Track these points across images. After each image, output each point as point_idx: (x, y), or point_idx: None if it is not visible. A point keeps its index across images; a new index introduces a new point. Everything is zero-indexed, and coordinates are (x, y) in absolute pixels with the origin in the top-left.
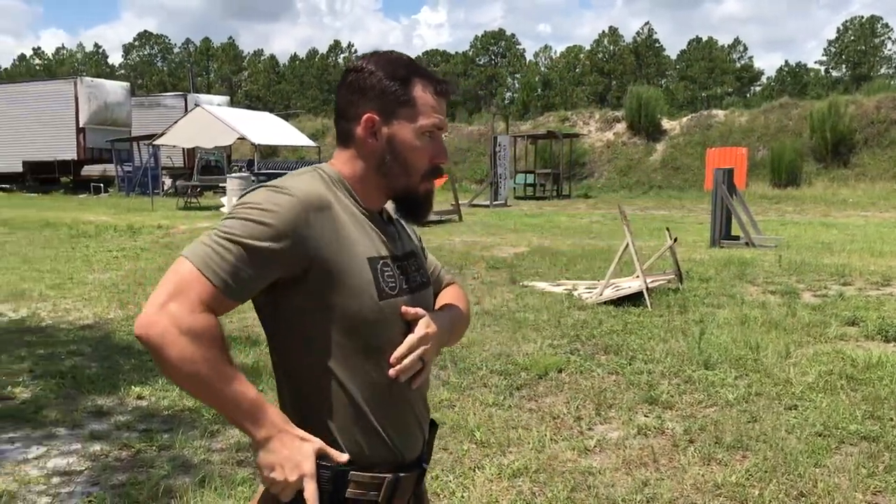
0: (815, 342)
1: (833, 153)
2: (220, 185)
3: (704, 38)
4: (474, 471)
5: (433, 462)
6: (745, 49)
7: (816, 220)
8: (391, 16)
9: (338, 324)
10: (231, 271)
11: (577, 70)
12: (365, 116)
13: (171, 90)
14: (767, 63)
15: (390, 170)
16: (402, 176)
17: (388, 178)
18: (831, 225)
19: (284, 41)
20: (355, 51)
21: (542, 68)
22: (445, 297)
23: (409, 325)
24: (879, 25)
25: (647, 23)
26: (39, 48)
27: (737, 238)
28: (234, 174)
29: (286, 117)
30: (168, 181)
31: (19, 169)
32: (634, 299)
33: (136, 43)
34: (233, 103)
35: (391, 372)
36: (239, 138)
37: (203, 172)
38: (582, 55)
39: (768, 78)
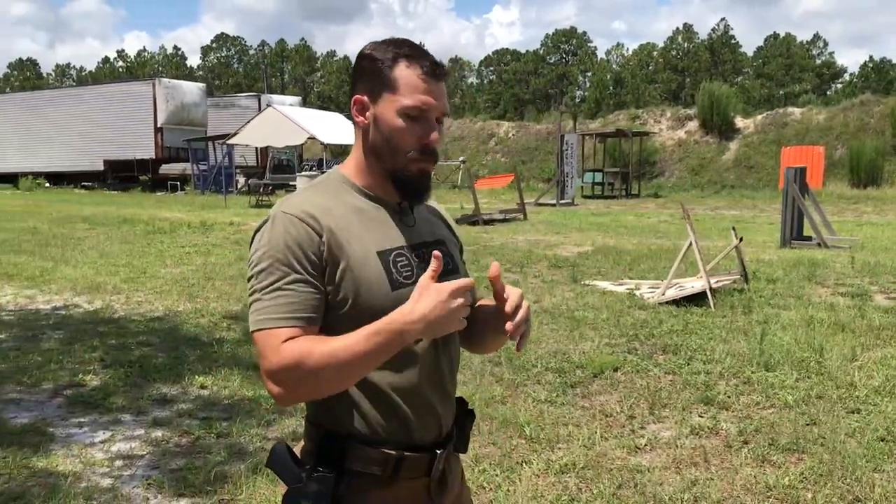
0: (884, 345)
1: None
2: (291, 183)
3: (782, 35)
4: (521, 465)
5: (481, 456)
6: (826, 45)
7: None
8: (463, 15)
9: (353, 314)
10: (295, 308)
11: (649, 68)
12: (354, 98)
13: (246, 91)
14: (851, 59)
15: (380, 150)
16: (390, 156)
17: (379, 158)
18: None
19: (358, 42)
20: None
21: (615, 66)
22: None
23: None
24: None
25: (723, 19)
26: (122, 51)
27: (808, 238)
28: (303, 173)
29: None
30: (242, 179)
31: (101, 167)
32: (697, 300)
33: (214, 45)
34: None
35: (508, 328)
36: (309, 138)
37: (275, 171)
38: (655, 53)
39: (851, 74)
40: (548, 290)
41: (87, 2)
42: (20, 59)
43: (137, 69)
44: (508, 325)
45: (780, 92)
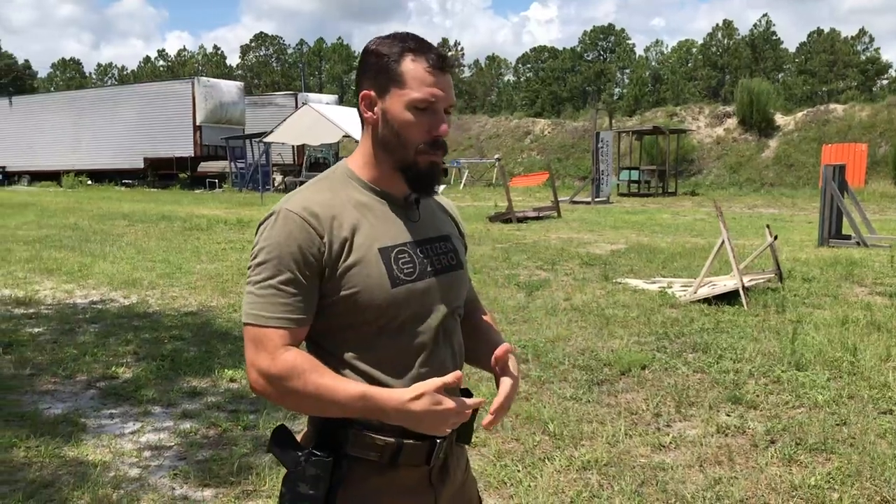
0: None
1: None
2: None
3: (826, 30)
4: (544, 462)
5: (503, 451)
6: (872, 40)
7: None
8: (500, 13)
9: (353, 310)
10: (285, 308)
11: (689, 65)
12: (362, 93)
13: (284, 90)
14: None
15: (389, 143)
16: (399, 149)
17: (388, 152)
18: None
19: None
20: (461, 49)
21: (653, 63)
22: (492, 337)
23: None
24: None
25: (764, 14)
26: (163, 50)
27: (847, 237)
28: None
29: None
30: (278, 177)
31: (141, 165)
32: (730, 298)
33: (253, 44)
34: (342, 102)
35: (485, 423)
36: (345, 136)
37: (311, 169)
38: (694, 49)
39: None
40: (579, 287)
41: (131, 3)
42: (63, 59)
43: (178, 68)
44: (486, 421)
45: (824, 89)
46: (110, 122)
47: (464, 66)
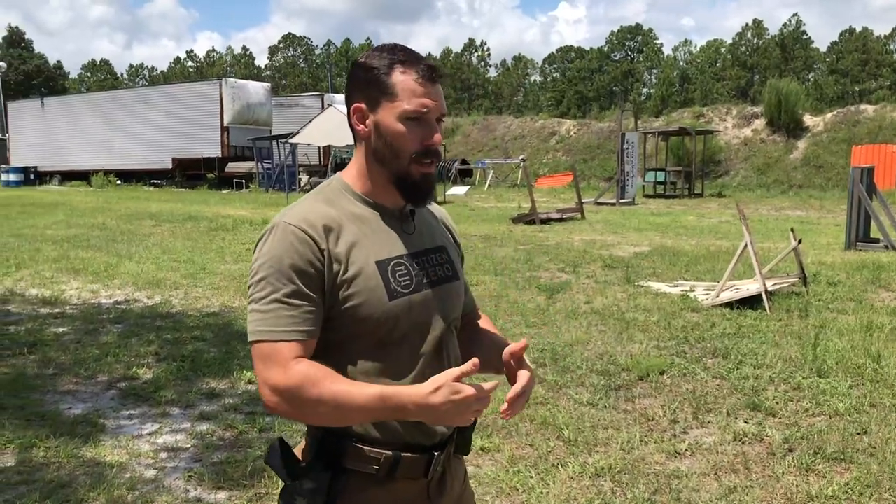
0: None
1: None
2: None
3: (858, 29)
4: (557, 468)
5: (516, 457)
6: None
7: None
8: (528, 13)
9: (351, 323)
10: (294, 321)
11: (717, 64)
12: (353, 107)
13: (311, 91)
14: None
15: (383, 156)
16: (393, 160)
17: (382, 164)
18: None
19: (424, 41)
20: (488, 50)
21: (681, 63)
22: (496, 339)
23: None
24: None
25: (795, 14)
26: (192, 51)
27: (876, 241)
28: None
29: None
30: (304, 178)
31: (169, 165)
32: (753, 302)
33: (281, 45)
34: None
35: (503, 411)
36: None
37: (336, 169)
38: (723, 49)
39: None
40: (600, 290)
41: (163, 3)
42: (94, 60)
43: (207, 69)
44: (503, 409)
45: (856, 89)
46: (139, 122)
47: (489, 66)
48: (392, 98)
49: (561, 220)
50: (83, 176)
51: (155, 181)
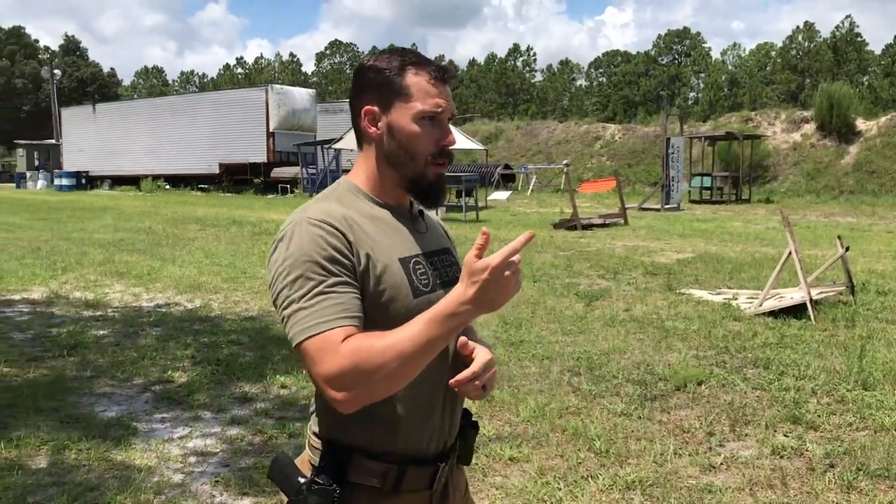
0: None
1: None
2: None
3: None
4: (587, 480)
5: (545, 468)
6: None
7: None
8: (575, 17)
9: (377, 320)
10: (339, 310)
11: (767, 68)
12: (364, 108)
13: None
14: None
15: (397, 158)
16: (409, 162)
17: (396, 166)
18: None
19: (470, 47)
20: (534, 54)
21: (730, 67)
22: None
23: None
24: None
25: (848, 16)
26: (241, 58)
27: None
28: None
29: (462, 121)
30: None
31: (217, 170)
32: (798, 311)
33: (328, 51)
34: None
35: (450, 382)
36: None
37: None
38: (773, 52)
39: None
40: (640, 298)
41: (215, 11)
42: (146, 66)
43: (255, 76)
44: (452, 380)
45: None
46: (188, 128)
47: (535, 71)
48: (406, 99)
49: (604, 225)
50: (133, 181)
51: (202, 186)
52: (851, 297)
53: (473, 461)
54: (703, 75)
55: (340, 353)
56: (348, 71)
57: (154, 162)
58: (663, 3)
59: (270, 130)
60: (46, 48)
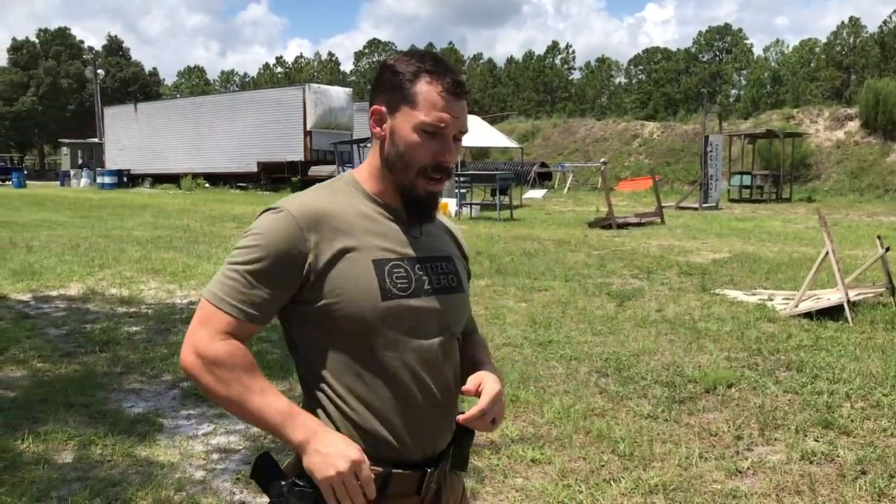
0: None
1: None
2: None
3: None
4: (609, 483)
5: (567, 470)
6: None
7: None
8: (615, 14)
9: (341, 321)
10: (242, 299)
11: (811, 65)
12: (373, 108)
13: None
14: None
15: (393, 163)
16: (403, 170)
17: (392, 171)
18: None
19: (509, 45)
20: (572, 52)
21: (773, 63)
22: (477, 353)
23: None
24: None
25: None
26: (281, 57)
27: None
28: None
29: (500, 119)
30: None
31: (254, 169)
32: (835, 313)
33: (366, 50)
34: None
35: (459, 419)
36: None
37: None
38: (817, 49)
39: None
40: (673, 298)
41: (256, 11)
42: (188, 66)
43: (294, 75)
44: (461, 417)
45: None
46: (227, 127)
47: (573, 69)
48: (412, 107)
49: (639, 224)
50: (173, 179)
51: (241, 184)
52: (892, 298)
53: (495, 462)
54: (744, 73)
55: (214, 343)
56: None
57: (193, 160)
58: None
59: (308, 129)
60: (91, 48)
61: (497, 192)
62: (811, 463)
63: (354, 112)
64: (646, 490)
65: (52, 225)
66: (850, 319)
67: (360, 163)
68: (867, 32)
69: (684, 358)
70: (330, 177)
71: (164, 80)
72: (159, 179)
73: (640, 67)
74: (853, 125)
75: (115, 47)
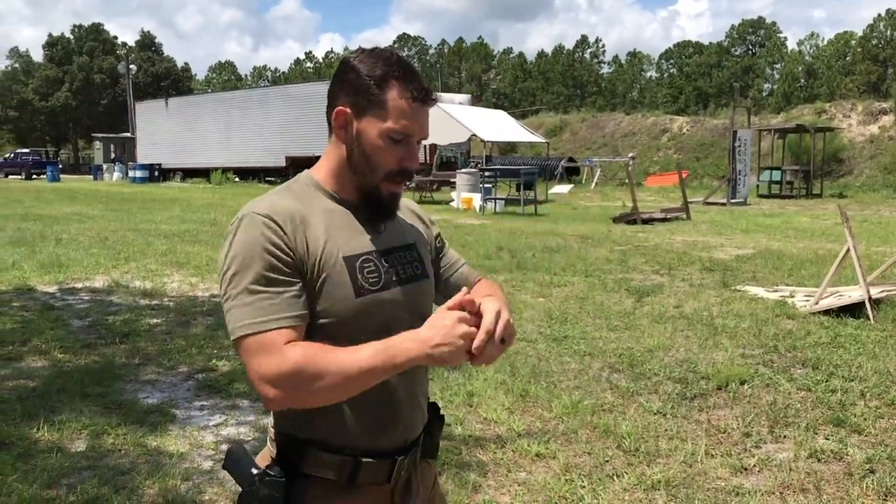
0: None
1: None
2: (451, 180)
3: None
4: (612, 478)
5: (571, 465)
6: None
7: None
8: (648, 8)
9: (316, 323)
10: (275, 308)
11: (846, 58)
12: (337, 109)
13: None
14: None
15: (357, 165)
16: (368, 173)
17: (355, 172)
18: None
19: (539, 39)
20: (602, 46)
21: (807, 57)
22: (482, 290)
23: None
24: None
25: None
26: (311, 52)
27: None
28: (462, 170)
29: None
30: None
31: (283, 163)
32: (856, 310)
33: (396, 45)
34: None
35: (472, 349)
36: (472, 135)
37: (441, 168)
38: (853, 42)
39: None
40: (693, 294)
41: (288, 7)
42: (219, 61)
43: (325, 70)
44: (473, 347)
45: None
46: (256, 121)
47: (603, 63)
48: (381, 114)
49: (665, 220)
50: (203, 173)
51: (270, 178)
52: None
53: (499, 456)
54: (777, 66)
55: (284, 357)
56: (416, 64)
57: (223, 155)
58: None
59: None
60: (124, 44)
61: (521, 188)
62: (819, 461)
63: None
64: (648, 486)
65: (83, 218)
66: (871, 317)
67: None
68: None
69: (699, 354)
70: None
71: (195, 75)
72: (190, 174)
73: (672, 61)
74: (887, 119)
75: (147, 43)
